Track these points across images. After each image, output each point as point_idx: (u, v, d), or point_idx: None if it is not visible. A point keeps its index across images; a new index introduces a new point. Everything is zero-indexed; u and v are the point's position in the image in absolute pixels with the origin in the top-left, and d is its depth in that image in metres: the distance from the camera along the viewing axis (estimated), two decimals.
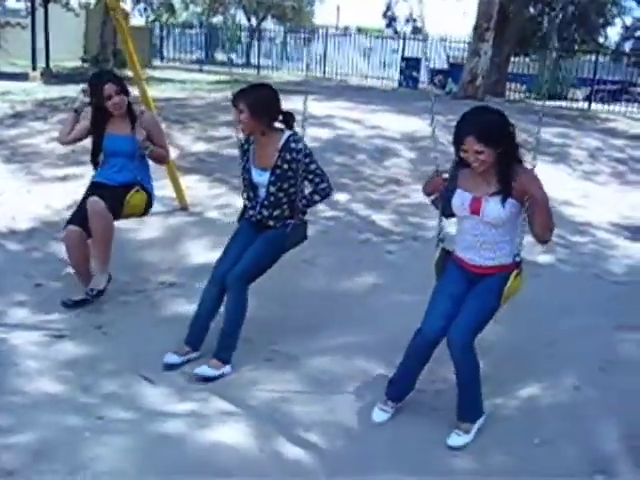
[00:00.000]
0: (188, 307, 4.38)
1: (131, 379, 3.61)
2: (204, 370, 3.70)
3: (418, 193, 7.13)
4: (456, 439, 3.23)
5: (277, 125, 3.98)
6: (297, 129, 4.00)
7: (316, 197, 4.02)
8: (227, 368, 3.77)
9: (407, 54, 21.90)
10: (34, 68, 16.68)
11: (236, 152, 4.26)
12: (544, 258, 5.65)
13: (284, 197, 3.95)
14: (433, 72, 21.10)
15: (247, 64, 27.95)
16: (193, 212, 6.20)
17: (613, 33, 20.59)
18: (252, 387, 3.67)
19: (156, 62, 24.50)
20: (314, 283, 4.99)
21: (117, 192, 4.40)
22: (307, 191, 4.05)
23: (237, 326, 3.85)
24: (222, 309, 3.93)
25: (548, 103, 18.40)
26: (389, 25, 22.21)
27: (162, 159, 4.73)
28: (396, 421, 3.38)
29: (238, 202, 6.47)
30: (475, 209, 3.24)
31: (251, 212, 4.04)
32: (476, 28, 13.80)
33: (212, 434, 3.10)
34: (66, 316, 4.30)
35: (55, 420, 3.01)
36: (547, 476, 3.02)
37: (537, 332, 4.35)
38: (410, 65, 19.92)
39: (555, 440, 3.27)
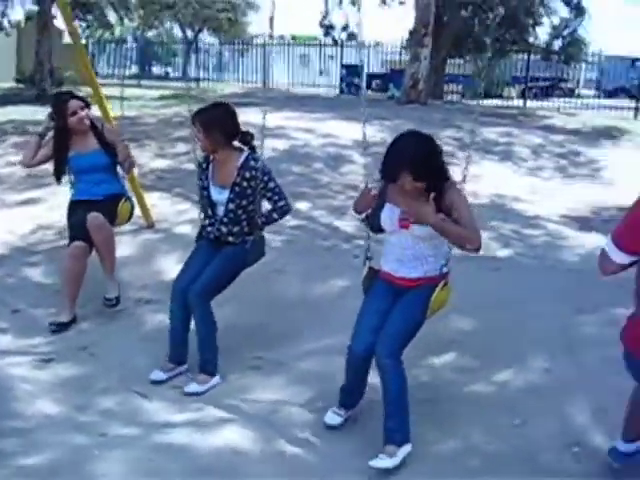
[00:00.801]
0: (168, 321, 4.54)
1: (125, 395, 3.72)
2: (193, 388, 3.82)
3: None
4: (381, 461, 3.06)
5: (236, 144, 4.07)
6: (256, 142, 4.09)
7: (275, 215, 4.13)
8: (216, 379, 3.90)
9: (345, 61, 22.21)
10: None
11: (195, 167, 4.34)
12: (502, 252, 5.97)
13: (243, 214, 4.04)
14: (371, 77, 21.58)
15: (184, 77, 27.88)
16: (159, 229, 6.30)
17: (542, 32, 21.34)
18: (243, 394, 3.82)
19: None
20: (288, 291, 5.15)
21: (106, 205, 4.62)
22: (265, 209, 4.14)
23: (211, 340, 3.95)
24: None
25: (485, 102, 19.10)
26: (327, 34, 22.42)
27: (130, 168, 4.98)
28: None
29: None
30: (404, 224, 3.30)
31: (209, 229, 4.12)
32: (414, 33, 14.21)
33: (214, 440, 3.25)
34: (50, 339, 4.37)
35: (60, 440, 3.10)
36: (529, 452, 3.27)
37: (503, 321, 4.59)
38: (350, 72, 20.28)
39: (533, 419, 3.53)
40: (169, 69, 33.43)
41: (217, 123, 3.94)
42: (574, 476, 3.10)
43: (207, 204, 4.10)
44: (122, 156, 4.74)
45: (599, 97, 22.69)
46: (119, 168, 4.89)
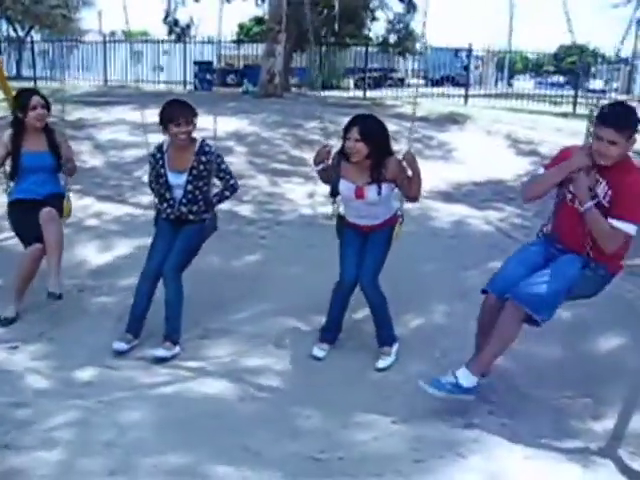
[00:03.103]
0: (107, 301, 5.06)
1: (98, 369, 4.04)
2: (162, 352, 4.26)
3: (264, 183, 8.08)
4: (383, 362, 4.22)
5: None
6: (210, 142, 4.62)
7: (226, 193, 4.71)
8: (177, 348, 4.36)
9: (185, 57, 22.08)
10: None
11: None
12: None
13: (199, 194, 4.56)
14: (226, 73, 21.95)
15: (18, 76, 26.65)
16: (71, 223, 6.49)
17: (379, 27, 22.83)
18: (203, 357, 4.33)
19: None
20: (211, 268, 5.61)
21: (52, 203, 4.76)
22: (216, 189, 4.70)
23: (179, 312, 4.43)
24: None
25: (327, 93, 20.18)
26: (171, 31, 22.50)
27: (72, 172, 5.09)
28: (331, 358, 4.26)
29: (109, 209, 6.98)
30: (359, 195, 4.24)
31: (169, 210, 4.58)
32: (269, 31, 14.87)
33: (199, 389, 3.77)
34: (5, 330, 4.57)
35: (66, 406, 3.40)
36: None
37: (403, 279, 5.37)
38: (203, 69, 20.55)
39: (450, 352, 4.35)
40: None
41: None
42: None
43: (165, 189, 4.55)
44: (66, 158, 4.87)
45: (427, 86, 24.49)
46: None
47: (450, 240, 6.39)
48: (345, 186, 4.27)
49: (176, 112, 4.43)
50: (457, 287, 5.28)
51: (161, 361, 4.23)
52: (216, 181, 4.70)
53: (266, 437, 3.17)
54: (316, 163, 4.40)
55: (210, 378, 3.98)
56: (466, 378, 3.53)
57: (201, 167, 4.52)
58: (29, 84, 20.98)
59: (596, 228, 3.41)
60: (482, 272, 5.45)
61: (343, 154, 4.24)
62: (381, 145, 4.15)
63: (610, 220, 3.38)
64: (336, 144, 4.46)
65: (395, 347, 4.35)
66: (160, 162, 4.58)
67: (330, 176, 4.38)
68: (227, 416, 3.43)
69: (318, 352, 4.33)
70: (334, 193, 4.45)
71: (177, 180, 4.54)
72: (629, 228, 3.39)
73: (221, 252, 5.96)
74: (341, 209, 4.52)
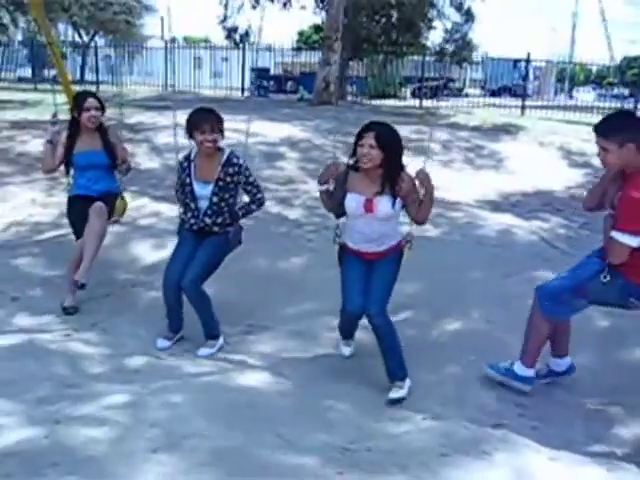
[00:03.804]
0: (158, 296, 5.09)
1: (146, 359, 4.27)
2: (206, 351, 4.46)
3: (314, 188, 8.24)
4: (395, 393, 3.89)
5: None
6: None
7: (253, 206, 4.67)
8: (221, 340, 4.57)
9: (243, 63, 22.47)
10: None
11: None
12: (432, 232, 6.89)
13: (225, 206, 4.52)
14: (284, 80, 22.32)
15: (82, 80, 27.58)
16: (126, 222, 6.81)
17: (436, 36, 22.86)
18: (246, 351, 4.53)
19: None
20: (258, 270, 5.85)
21: (106, 200, 5.03)
22: (243, 201, 4.69)
23: (210, 314, 4.55)
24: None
25: (383, 102, 20.31)
26: (229, 36, 22.95)
27: (127, 172, 5.35)
28: (368, 358, 4.40)
29: (163, 210, 7.27)
30: (369, 208, 3.92)
31: (192, 221, 4.54)
32: (326, 39, 15.12)
33: (239, 381, 3.94)
34: (59, 319, 4.87)
35: (118, 390, 3.60)
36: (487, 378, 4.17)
37: (445, 286, 5.51)
38: (260, 75, 20.95)
39: (483, 355, 4.42)
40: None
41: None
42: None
43: (190, 198, 4.53)
44: (121, 158, 5.13)
45: (484, 96, 24.38)
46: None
47: (494, 249, 6.44)
48: (353, 199, 3.95)
49: (201, 120, 4.40)
50: (498, 294, 5.34)
51: (206, 357, 4.43)
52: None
53: (299, 428, 3.31)
54: (321, 182, 4.09)
55: (251, 371, 4.16)
56: (519, 368, 3.88)
57: (228, 179, 4.49)
58: (92, 88, 21.78)
59: (604, 237, 3.54)
60: (524, 280, 5.54)
61: (351, 166, 3.98)
62: (396, 155, 3.88)
63: (611, 230, 3.49)
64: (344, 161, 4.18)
65: (407, 383, 3.97)
66: (187, 171, 4.56)
67: (335, 199, 4.06)
68: (264, 407, 3.58)
69: (346, 350, 4.41)
70: (339, 214, 4.15)
71: (203, 191, 4.52)
72: (624, 238, 3.43)
73: (269, 253, 6.18)
74: (344, 237, 4.19)
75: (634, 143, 3.39)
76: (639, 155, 3.42)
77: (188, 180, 4.54)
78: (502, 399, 3.94)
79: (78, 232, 5.03)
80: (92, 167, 5.10)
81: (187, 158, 4.61)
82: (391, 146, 3.84)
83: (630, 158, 3.42)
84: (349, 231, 4.13)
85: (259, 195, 4.65)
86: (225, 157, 4.51)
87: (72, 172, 5.21)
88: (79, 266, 4.92)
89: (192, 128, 4.44)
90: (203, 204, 4.53)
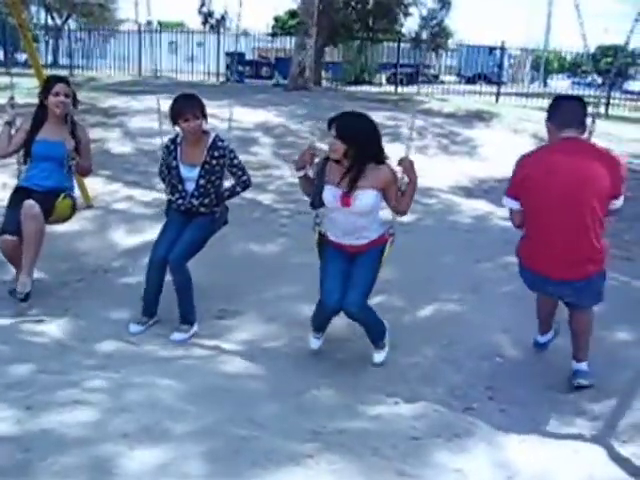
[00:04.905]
0: (131, 281, 5.25)
1: (118, 344, 4.25)
2: (180, 336, 4.45)
3: (288, 174, 8.24)
4: (379, 356, 4.16)
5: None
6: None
7: (238, 188, 4.72)
8: (195, 327, 4.56)
9: (217, 48, 22.28)
10: None
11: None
12: (405, 218, 6.90)
13: (211, 188, 4.60)
14: (259, 65, 22.17)
15: (54, 64, 27.11)
16: (99, 207, 6.77)
17: (412, 23, 22.91)
18: (219, 337, 4.52)
19: None
20: (233, 254, 5.84)
21: (47, 198, 4.64)
22: (228, 183, 4.75)
23: (190, 296, 4.57)
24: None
25: (358, 88, 20.29)
26: (205, 21, 22.79)
27: (86, 172, 5.15)
28: (342, 342, 4.42)
29: (136, 195, 7.21)
30: (345, 202, 3.85)
31: (180, 202, 4.63)
32: (301, 24, 15.03)
33: (213, 365, 3.94)
34: (27, 305, 4.77)
35: (87, 375, 3.59)
36: (457, 360, 4.21)
37: (418, 270, 5.54)
38: (234, 60, 20.77)
39: (457, 339, 4.48)
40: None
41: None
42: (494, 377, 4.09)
43: (177, 180, 4.62)
44: (83, 156, 4.88)
45: (460, 83, 24.44)
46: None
47: (467, 234, 6.50)
48: (330, 192, 3.90)
49: (184, 108, 4.43)
50: (470, 279, 5.39)
51: (180, 343, 4.41)
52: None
53: (272, 412, 3.31)
54: (297, 167, 4.07)
55: (224, 355, 4.16)
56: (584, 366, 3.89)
57: (213, 162, 4.55)
58: (65, 72, 21.45)
59: None
60: (496, 266, 5.61)
61: (329, 157, 3.91)
62: (359, 147, 3.77)
63: None
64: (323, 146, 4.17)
65: (386, 338, 4.20)
66: (173, 154, 4.62)
67: (311, 185, 4.05)
68: (237, 391, 3.58)
69: (314, 343, 4.27)
70: (316, 204, 4.06)
71: (189, 173, 4.59)
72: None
73: (242, 238, 6.17)
74: (325, 227, 4.16)
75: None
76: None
77: (174, 163, 4.61)
78: (472, 383, 3.99)
79: (6, 227, 4.58)
80: (49, 159, 4.76)
81: (173, 141, 4.67)
82: (353, 138, 3.76)
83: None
84: (329, 223, 4.11)
85: (244, 177, 4.71)
86: (211, 140, 4.57)
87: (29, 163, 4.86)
88: (14, 262, 4.65)
89: (175, 116, 4.48)
90: (190, 186, 4.61)
